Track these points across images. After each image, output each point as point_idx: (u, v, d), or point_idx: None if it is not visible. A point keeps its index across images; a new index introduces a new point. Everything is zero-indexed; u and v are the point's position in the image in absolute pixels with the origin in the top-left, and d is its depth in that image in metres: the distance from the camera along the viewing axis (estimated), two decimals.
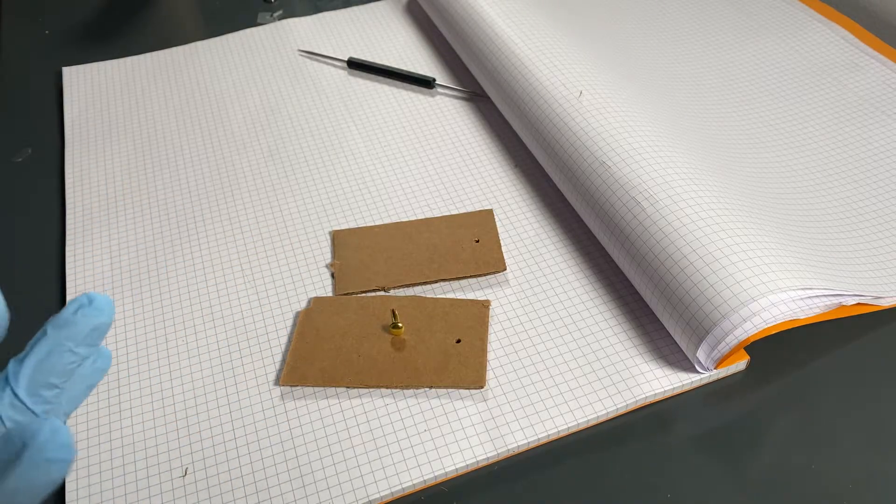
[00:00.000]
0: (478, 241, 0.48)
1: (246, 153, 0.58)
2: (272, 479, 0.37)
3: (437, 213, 0.51)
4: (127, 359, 0.44)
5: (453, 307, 0.44)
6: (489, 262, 0.47)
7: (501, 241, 0.49)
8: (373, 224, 0.51)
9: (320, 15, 0.73)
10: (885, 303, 0.42)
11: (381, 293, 0.46)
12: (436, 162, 0.55)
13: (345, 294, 0.46)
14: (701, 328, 0.39)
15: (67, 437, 0.24)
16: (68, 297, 0.47)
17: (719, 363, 0.40)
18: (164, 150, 0.58)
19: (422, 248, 0.48)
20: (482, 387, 0.40)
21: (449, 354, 0.42)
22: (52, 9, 0.78)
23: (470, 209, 0.51)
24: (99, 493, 0.37)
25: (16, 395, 0.26)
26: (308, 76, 0.65)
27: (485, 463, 0.38)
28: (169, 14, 0.77)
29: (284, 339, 0.44)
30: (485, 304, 0.44)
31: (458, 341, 0.42)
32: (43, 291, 0.48)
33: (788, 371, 0.42)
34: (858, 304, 0.41)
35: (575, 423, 0.39)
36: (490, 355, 0.42)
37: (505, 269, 0.46)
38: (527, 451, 0.39)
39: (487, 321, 0.44)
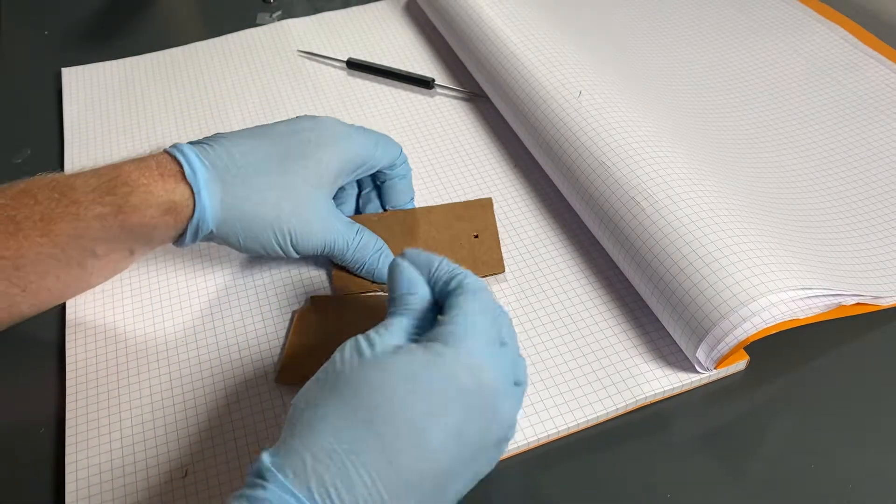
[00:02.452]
0: (477, 237, 0.48)
1: None
2: None
3: None
4: (126, 359, 0.44)
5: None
6: (488, 262, 0.47)
7: (501, 240, 0.49)
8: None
9: (319, 15, 0.73)
10: (885, 302, 0.42)
11: (381, 293, 0.46)
12: (435, 162, 0.55)
13: (344, 294, 0.46)
14: (700, 328, 0.39)
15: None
16: (67, 300, 0.47)
17: (719, 363, 0.40)
18: None
19: (420, 243, 0.48)
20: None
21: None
22: (51, 9, 0.78)
23: None
24: (99, 493, 0.37)
25: None
26: (307, 76, 0.65)
27: None
28: (168, 14, 0.77)
29: (284, 339, 0.44)
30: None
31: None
32: None
33: (788, 371, 0.42)
34: (858, 303, 0.41)
35: (575, 423, 0.39)
36: None
37: (503, 271, 0.46)
38: (527, 451, 0.39)
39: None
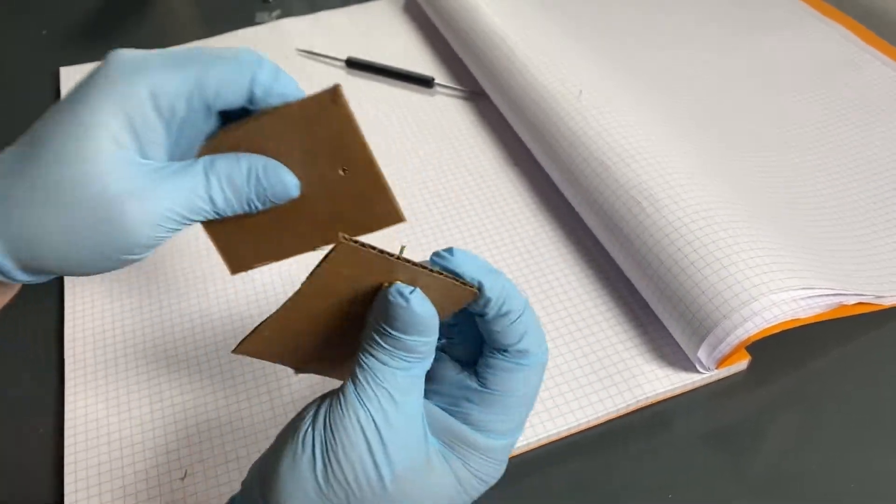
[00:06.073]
0: (345, 172, 0.31)
1: None
2: None
3: (436, 213, 0.51)
4: (125, 359, 0.43)
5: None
6: (377, 214, 0.31)
7: (500, 238, 0.48)
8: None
9: (318, 14, 0.72)
10: (887, 302, 0.42)
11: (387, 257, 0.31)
12: (435, 161, 0.55)
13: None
14: (702, 328, 0.39)
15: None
16: (66, 298, 0.47)
17: (720, 363, 0.40)
18: None
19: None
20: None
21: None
22: (49, 8, 0.78)
23: (469, 209, 0.51)
24: (98, 495, 0.37)
25: None
26: (306, 76, 0.65)
27: None
28: (166, 14, 0.77)
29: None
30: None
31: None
32: (40, 291, 0.48)
33: (790, 371, 0.41)
34: (860, 303, 0.41)
35: (576, 423, 0.39)
36: None
37: (404, 220, 0.32)
38: (527, 451, 0.39)
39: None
